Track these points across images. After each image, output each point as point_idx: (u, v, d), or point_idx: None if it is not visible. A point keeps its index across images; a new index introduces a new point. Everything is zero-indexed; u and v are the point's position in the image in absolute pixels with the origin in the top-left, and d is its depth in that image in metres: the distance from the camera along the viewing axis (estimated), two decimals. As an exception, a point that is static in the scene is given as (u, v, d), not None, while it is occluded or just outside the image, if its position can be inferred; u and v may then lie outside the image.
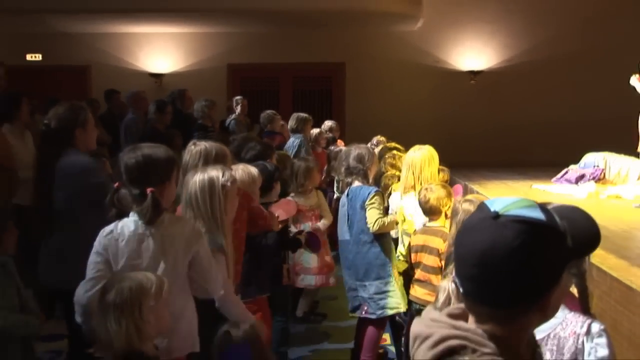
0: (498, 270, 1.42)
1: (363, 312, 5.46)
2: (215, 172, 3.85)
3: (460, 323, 1.49)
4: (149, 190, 3.25)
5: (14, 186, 5.60)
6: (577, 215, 1.69)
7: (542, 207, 1.49)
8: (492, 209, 1.46)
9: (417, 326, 1.55)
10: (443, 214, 5.08)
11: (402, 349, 5.56)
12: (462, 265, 1.50)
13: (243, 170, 4.86)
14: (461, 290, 1.52)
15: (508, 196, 1.52)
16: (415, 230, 5.37)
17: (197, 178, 3.76)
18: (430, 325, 1.51)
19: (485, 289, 1.46)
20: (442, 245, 4.88)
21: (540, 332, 2.29)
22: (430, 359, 1.45)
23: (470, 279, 1.47)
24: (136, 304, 2.80)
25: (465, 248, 1.49)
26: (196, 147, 4.41)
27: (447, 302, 2.91)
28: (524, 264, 1.41)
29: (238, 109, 10.51)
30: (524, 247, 1.40)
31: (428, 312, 1.59)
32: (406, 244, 5.38)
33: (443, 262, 4.85)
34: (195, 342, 3.49)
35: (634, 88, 6.93)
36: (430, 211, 5.07)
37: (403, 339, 5.55)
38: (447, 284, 2.95)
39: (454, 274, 2.59)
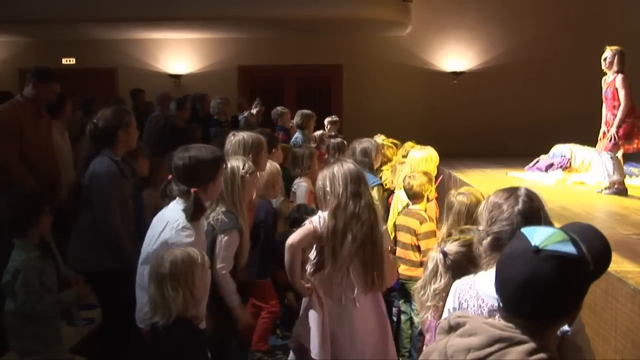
0: (537, 296, 1.52)
1: None
2: (236, 163, 3.90)
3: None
4: (192, 190, 3.28)
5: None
6: (592, 235, 1.79)
7: (573, 239, 1.57)
8: (532, 243, 1.54)
9: (485, 327, 1.60)
10: (425, 198, 5.14)
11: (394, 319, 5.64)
12: (504, 288, 1.59)
13: (271, 163, 4.91)
14: (500, 304, 1.63)
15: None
16: (399, 212, 5.43)
17: None
18: (506, 329, 1.57)
19: (524, 309, 1.56)
20: (417, 225, 4.97)
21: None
22: None
23: (511, 300, 1.58)
24: (189, 272, 2.91)
25: (507, 274, 1.57)
26: (235, 137, 4.45)
27: (435, 269, 2.99)
28: (560, 293, 1.53)
29: (255, 110, 10.49)
30: (560, 280, 1.51)
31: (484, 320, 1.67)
32: None
33: (419, 241, 4.96)
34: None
35: (600, 87, 6.95)
36: (414, 196, 5.12)
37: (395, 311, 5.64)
38: (436, 254, 3.01)
39: (442, 246, 2.69)
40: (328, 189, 3.62)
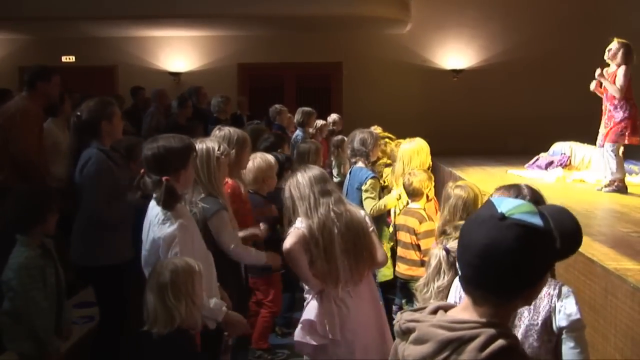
0: (496, 264, 1.47)
1: None
2: (211, 144, 3.89)
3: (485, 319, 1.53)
4: (164, 178, 3.26)
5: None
6: (563, 215, 1.73)
7: (541, 213, 1.54)
8: (499, 210, 1.51)
9: (433, 330, 1.55)
10: (424, 196, 5.10)
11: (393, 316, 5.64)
12: (465, 252, 1.55)
13: (261, 158, 4.91)
14: (460, 273, 1.57)
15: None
16: (399, 211, 5.40)
17: (197, 147, 3.75)
18: (454, 328, 1.52)
19: (482, 277, 1.51)
20: (417, 225, 4.92)
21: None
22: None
23: (471, 266, 1.52)
24: (189, 280, 2.93)
25: (470, 239, 1.53)
26: (221, 132, 4.45)
27: (438, 266, 2.98)
28: (518, 263, 1.48)
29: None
30: (521, 249, 1.46)
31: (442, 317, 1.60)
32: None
33: (419, 241, 4.94)
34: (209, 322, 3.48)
35: (599, 84, 6.94)
36: (414, 193, 5.07)
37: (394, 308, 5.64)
38: (439, 252, 3.01)
39: (444, 243, 2.67)
40: (295, 195, 3.70)
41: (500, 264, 1.47)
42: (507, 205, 1.52)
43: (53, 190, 4.24)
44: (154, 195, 3.31)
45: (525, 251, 1.47)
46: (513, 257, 1.46)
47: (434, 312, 1.62)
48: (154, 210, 3.32)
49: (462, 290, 2.36)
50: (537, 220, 1.50)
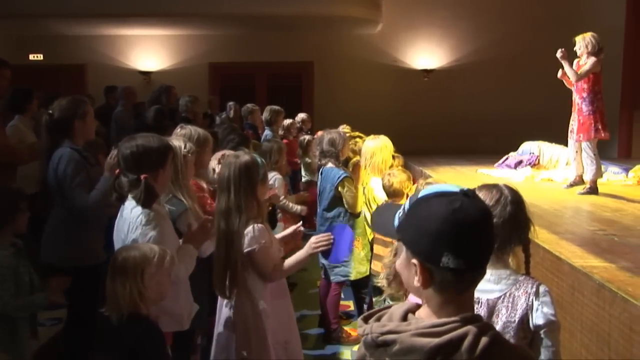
0: (492, 230, 1.58)
1: (322, 275, 5.73)
2: (177, 143, 3.86)
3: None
4: (142, 176, 3.22)
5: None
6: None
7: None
8: (457, 190, 1.58)
9: (417, 340, 1.51)
10: (405, 196, 5.02)
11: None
12: (462, 239, 1.54)
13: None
14: (450, 265, 1.52)
15: (454, 181, 1.60)
16: (374, 208, 5.37)
17: None
18: (438, 333, 1.50)
19: (487, 253, 1.59)
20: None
21: (498, 292, 2.40)
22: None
23: (474, 248, 1.55)
24: (138, 270, 2.85)
25: (464, 225, 1.53)
26: (182, 130, 4.42)
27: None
28: (487, 229, 1.57)
29: (231, 113, 10.41)
30: (484, 217, 1.57)
31: (416, 323, 1.56)
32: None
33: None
34: (184, 322, 3.46)
35: (563, 84, 6.99)
36: (394, 194, 5.02)
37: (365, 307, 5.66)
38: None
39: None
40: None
41: (492, 230, 1.56)
42: (451, 186, 1.62)
43: (21, 189, 4.20)
44: (131, 195, 3.27)
45: (487, 217, 1.56)
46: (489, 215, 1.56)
47: (404, 317, 1.59)
48: (134, 211, 3.25)
49: None
50: (453, 187, 1.59)
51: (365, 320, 1.66)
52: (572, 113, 6.97)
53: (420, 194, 1.63)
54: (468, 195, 1.53)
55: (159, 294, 2.96)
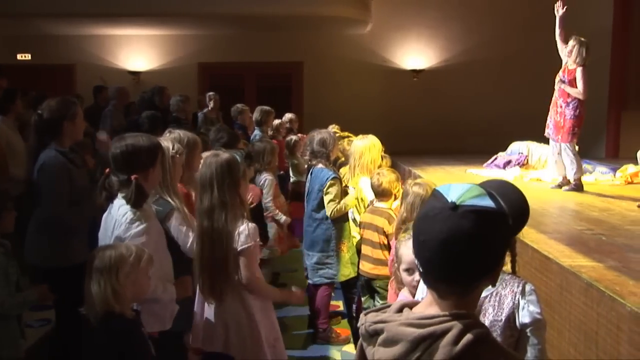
0: (457, 255, 1.43)
1: (306, 276, 5.73)
2: (165, 144, 3.85)
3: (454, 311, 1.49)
4: (133, 177, 3.23)
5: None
6: (508, 190, 1.72)
7: (490, 194, 1.50)
8: (449, 199, 1.46)
9: (402, 330, 1.51)
10: (393, 196, 5.04)
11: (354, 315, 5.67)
12: (423, 249, 1.49)
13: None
14: (421, 270, 1.52)
15: (455, 182, 1.55)
16: (365, 209, 5.36)
17: None
18: (424, 324, 1.48)
19: (444, 270, 1.47)
20: (386, 225, 4.85)
21: (485, 291, 2.42)
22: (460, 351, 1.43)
23: (431, 262, 1.48)
24: (114, 269, 2.83)
25: (426, 235, 1.47)
26: (171, 135, 4.41)
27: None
28: (481, 249, 1.45)
29: (211, 104, 10.42)
30: (479, 234, 1.43)
31: (407, 315, 1.55)
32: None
33: (390, 241, 4.89)
34: (166, 321, 3.45)
35: (552, 84, 7.06)
36: (382, 193, 5.00)
37: (354, 307, 5.66)
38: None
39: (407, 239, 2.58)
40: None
41: (461, 254, 1.43)
42: (455, 192, 1.48)
43: (6, 188, 4.18)
44: (121, 194, 3.27)
45: (484, 236, 1.44)
46: (473, 244, 1.43)
47: (399, 310, 1.59)
48: (122, 209, 3.26)
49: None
50: (488, 202, 1.47)
51: (367, 315, 1.68)
52: (551, 109, 7.10)
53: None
54: (454, 209, 1.46)
55: (136, 293, 2.95)
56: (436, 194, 1.52)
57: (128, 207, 3.24)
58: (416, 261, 1.53)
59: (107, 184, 3.31)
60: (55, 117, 4.27)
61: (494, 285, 1.56)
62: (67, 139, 4.35)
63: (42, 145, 4.30)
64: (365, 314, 1.66)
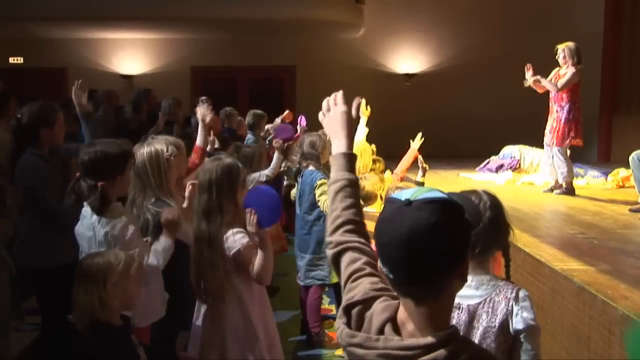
0: (423, 249, 1.42)
1: (297, 278, 5.71)
2: (159, 146, 3.85)
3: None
4: (99, 184, 3.25)
5: None
6: (465, 198, 1.75)
7: (441, 191, 1.52)
8: (402, 199, 1.48)
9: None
10: (378, 198, 5.04)
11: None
12: (388, 251, 1.48)
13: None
14: (391, 276, 1.50)
15: (436, 185, 1.56)
16: None
17: (144, 150, 3.74)
18: (405, 357, 1.46)
19: (414, 269, 1.45)
20: None
21: (478, 298, 2.41)
22: None
23: (399, 263, 1.46)
24: (101, 277, 2.80)
25: (388, 236, 1.47)
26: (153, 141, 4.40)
27: None
28: (444, 238, 1.44)
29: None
30: (439, 222, 1.42)
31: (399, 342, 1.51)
32: None
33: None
34: (156, 314, 3.48)
35: (545, 90, 7.09)
36: (367, 197, 4.95)
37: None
38: None
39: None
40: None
41: (426, 247, 1.43)
42: (407, 193, 1.50)
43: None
44: (86, 201, 3.30)
45: (443, 224, 1.43)
46: (435, 233, 1.42)
47: (381, 329, 1.55)
48: (92, 218, 3.30)
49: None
50: (440, 194, 1.49)
51: (347, 311, 1.65)
52: (549, 118, 7.11)
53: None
54: (409, 204, 1.47)
55: (125, 301, 2.92)
56: (390, 200, 1.54)
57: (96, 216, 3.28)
58: (384, 269, 1.52)
59: (76, 188, 3.31)
60: (33, 123, 4.24)
61: (464, 280, 1.53)
62: (46, 144, 4.33)
63: (19, 149, 4.27)
64: (346, 312, 1.64)
